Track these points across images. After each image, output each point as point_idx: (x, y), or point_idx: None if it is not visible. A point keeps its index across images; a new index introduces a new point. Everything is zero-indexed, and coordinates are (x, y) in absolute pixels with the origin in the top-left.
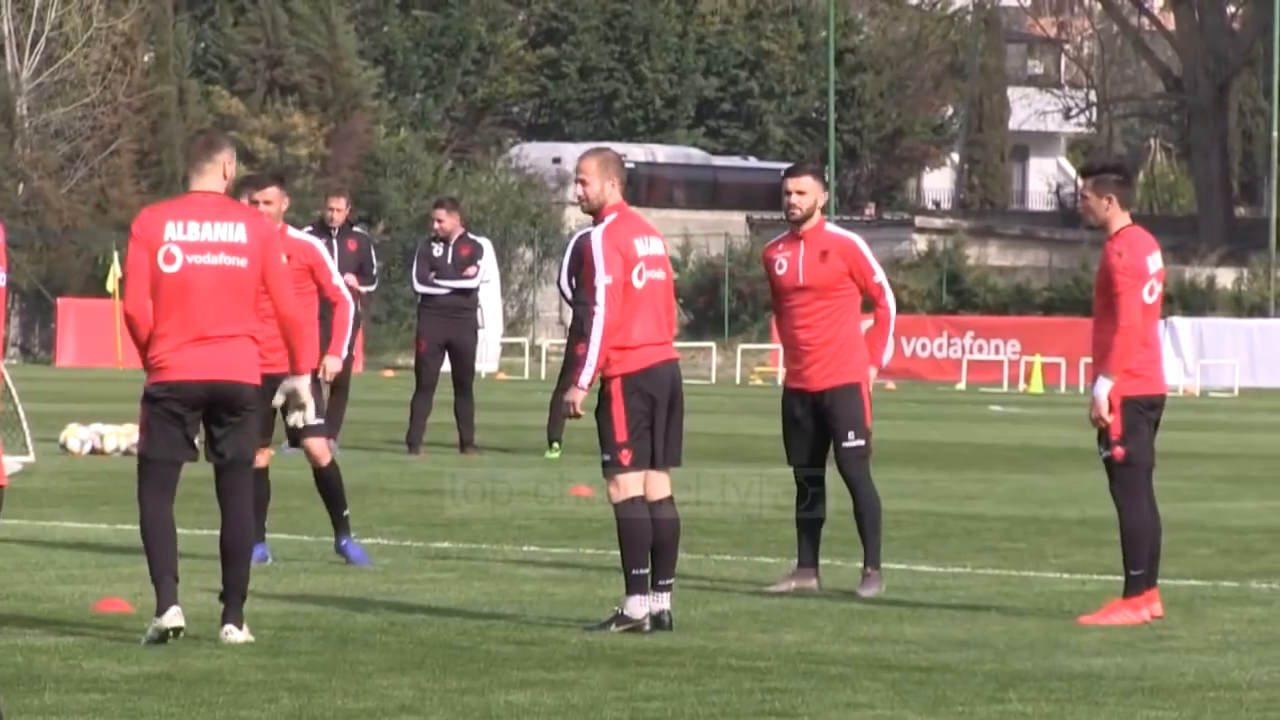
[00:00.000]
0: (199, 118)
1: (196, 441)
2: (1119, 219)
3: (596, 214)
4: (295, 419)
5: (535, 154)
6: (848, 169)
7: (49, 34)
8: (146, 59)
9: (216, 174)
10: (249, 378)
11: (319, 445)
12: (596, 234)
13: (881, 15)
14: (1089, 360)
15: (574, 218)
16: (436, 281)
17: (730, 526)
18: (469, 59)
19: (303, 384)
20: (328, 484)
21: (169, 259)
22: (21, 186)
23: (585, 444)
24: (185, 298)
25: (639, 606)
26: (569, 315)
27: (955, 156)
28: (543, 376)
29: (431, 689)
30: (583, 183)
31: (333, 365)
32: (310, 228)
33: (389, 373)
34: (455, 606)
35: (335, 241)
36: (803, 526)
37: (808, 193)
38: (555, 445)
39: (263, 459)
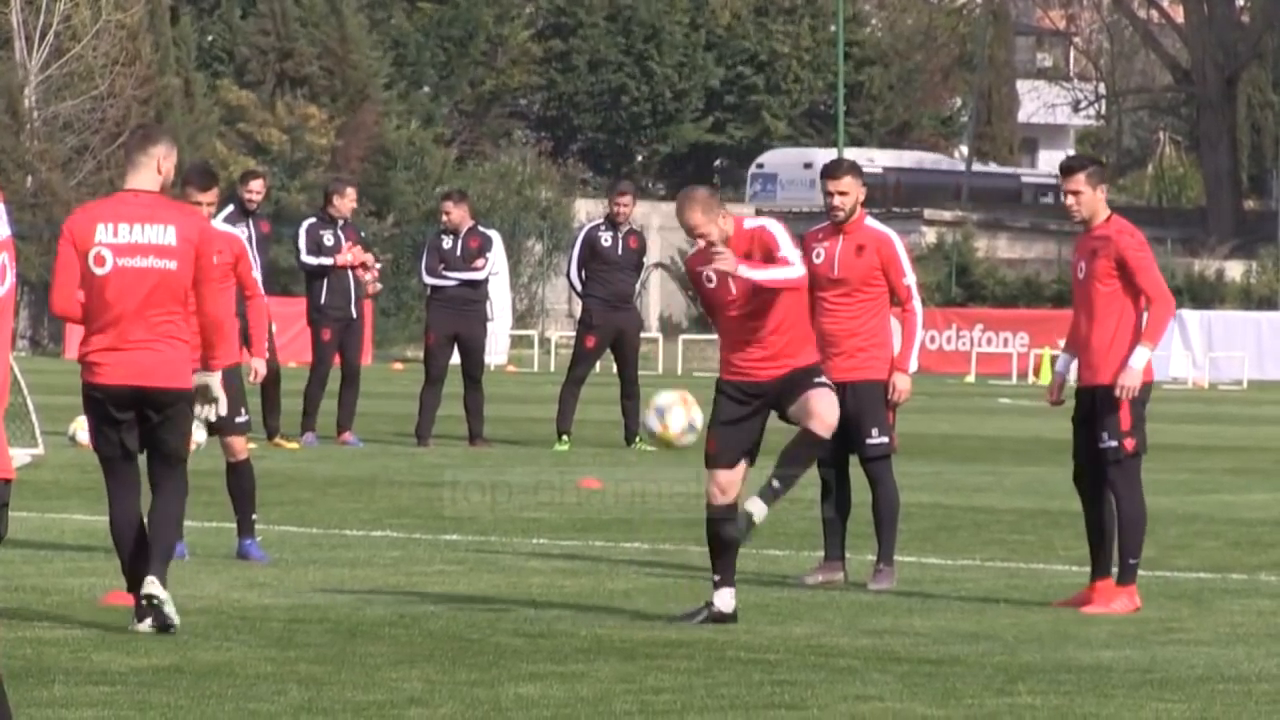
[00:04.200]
0: (206, 110)
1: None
2: (1104, 209)
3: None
4: (206, 412)
5: (783, 159)
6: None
7: (57, 27)
8: (152, 52)
9: (150, 169)
10: (176, 381)
11: (239, 442)
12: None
13: (890, 8)
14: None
15: (584, 210)
16: (445, 274)
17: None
18: (477, 51)
19: (214, 379)
20: (241, 481)
21: (99, 261)
22: (30, 179)
23: (594, 436)
24: (115, 300)
25: (730, 601)
26: (578, 308)
27: (964, 149)
28: (552, 369)
29: (441, 681)
30: (843, 194)
31: (260, 365)
32: (314, 219)
33: (398, 365)
34: (464, 599)
35: (340, 233)
36: (828, 520)
37: (849, 192)
38: (565, 438)
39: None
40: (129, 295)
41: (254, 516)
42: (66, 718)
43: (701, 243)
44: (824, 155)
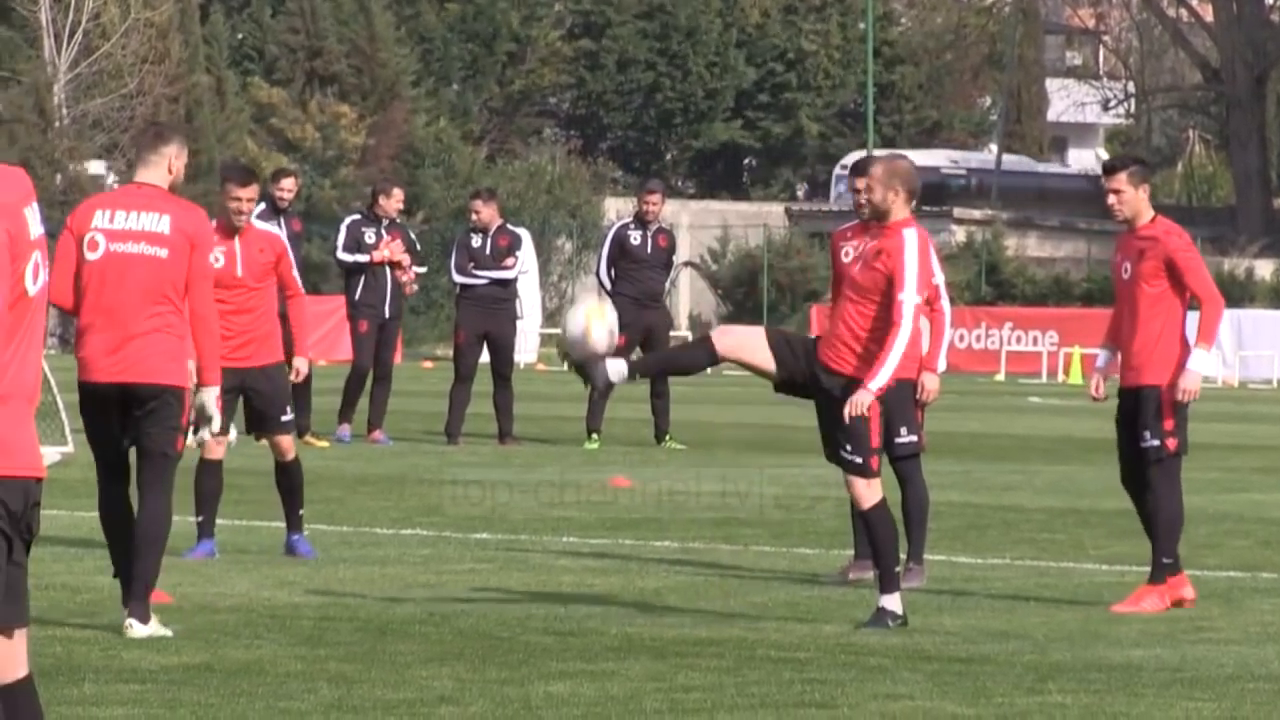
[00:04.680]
0: (237, 108)
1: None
2: (1148, 210)
3: (883, 218)
4: (201, 435)
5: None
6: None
7: (86, 25)
8: (182, 50)
9: (161, 167)
10: (162, 378)
11: (287, 441)
12: (914, 242)
13: (920, 7)
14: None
15: (613, 209)
16: (475, 272)
17: (769, 517)
18: (503, 50)
19: (209, 396)
20: (290, 479)
21: (92, 245)
22: (59, 176)
23: (624, 435)
24: (104, 285)
25: (899, 602)
26: None
27: (994, 148)
28: None
29: (471, 680)
30: (870, 189)
31: (303, 365)
32: (357, 216)
33: (428, 364)
34: (494, 597)
35: (384, 232)
36: (857, 519)
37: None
38: (594, 436)
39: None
40: (118, 282)
41: (301, 512)
42: (97, 715)
43: (861, 198)
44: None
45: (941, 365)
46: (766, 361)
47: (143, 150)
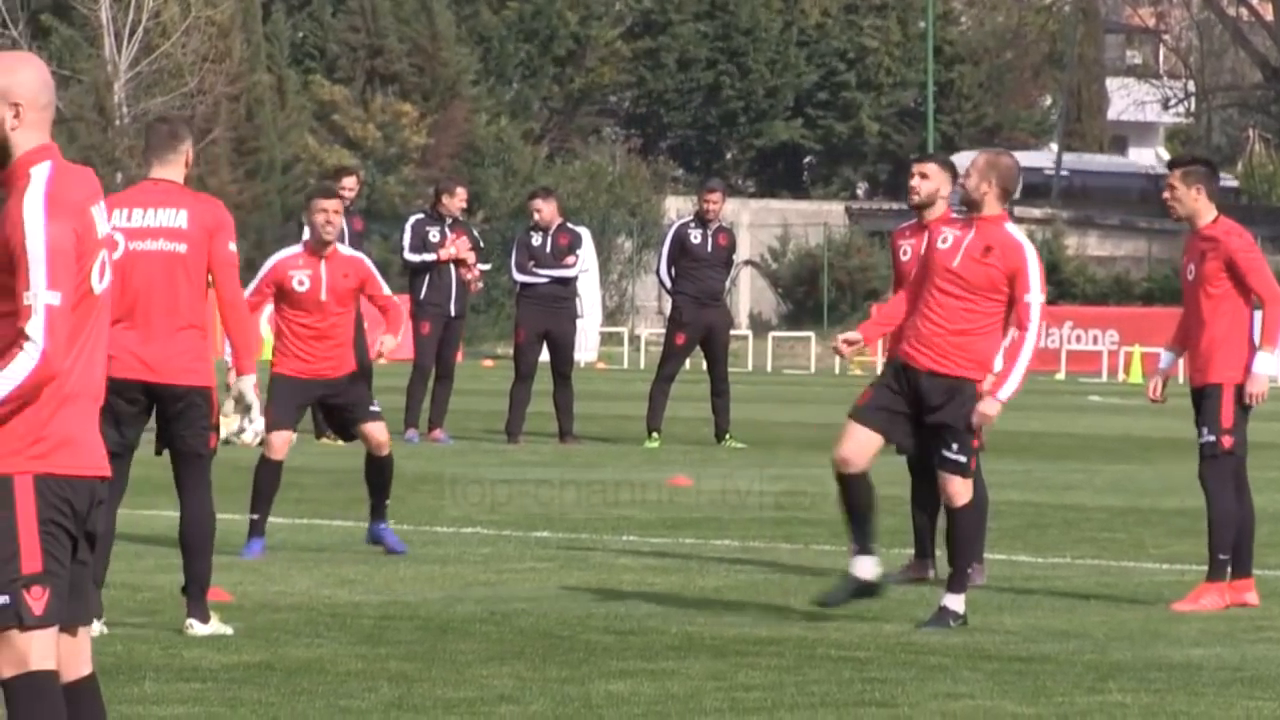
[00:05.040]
0: (298, 107)
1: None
2: (1208, 210)
3: (974, 209)
4: (243, 423)
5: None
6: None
7: (146, 23)
8: (244, 49)
9: (178, 163)
10: (189, 378)
11: (377, 433)
12: (1029, 243)
13: (979, 6)
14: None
15: (673, 208)
16: (535, 271)
17: (829, 516)
18: (562, 49)
19: (247, 384)
20: (379, 472)
21: (112, 246)
22: (120, 175)
23: (685, 434)
24: (125, 284)
25: (962, 602)
26: (668, 305)
27: (1054, 147)
28: (642, 366)
29: (531, 678)
30: (924, 177)
31: (390, 343)
32: (421, 215)
33: (488, 362)
34: (555, 596)
35: (448, 231)
36: (916, 518)
37: (930, 177)
38: (655, 435)
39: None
40: (140, 281)
41: (387, 502)
42: (157, 714)
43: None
44: (1021, 158)
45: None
46: (877, 440)
47: (157, 146)
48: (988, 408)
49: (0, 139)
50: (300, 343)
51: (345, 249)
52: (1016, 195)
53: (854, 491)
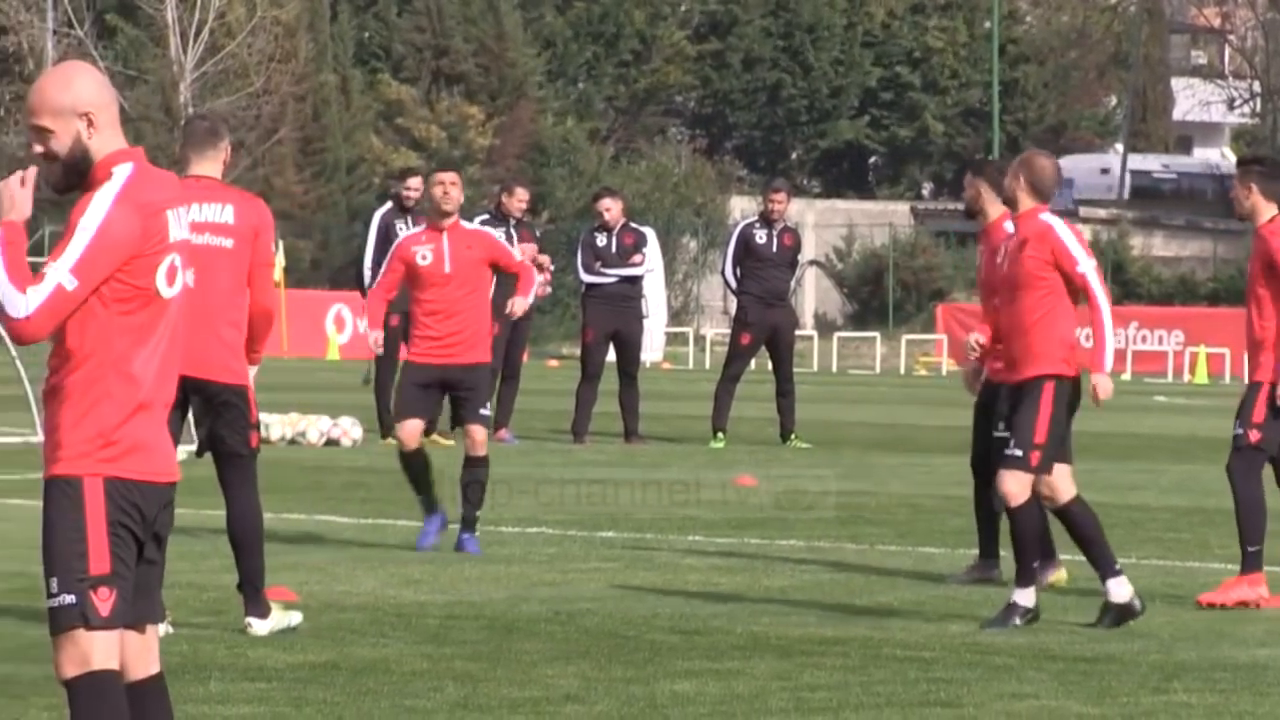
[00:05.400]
0: (363, 106)
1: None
2: (1265, 209)
3: (1012, 207)
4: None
5: (1080, 164)
6: (1011, 160)
7: (212, 24)
8: (310, 49)
9: (219, 160)
10: (228, 376)
11: (479, 435)
12: (1058, 220)
13: (1045, 6)
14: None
15: (738, 208)
16: (603, 270)
17: (895, 516)
18: (627, 49)
19: (249, 373)
20: (475, 474)
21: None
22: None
23: (751, 434)
24: None
25: (1120, 590)
26: (733, 305)
27: (1119, 147)
28: (707, 366)
29: (596, 678)
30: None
31: (520, 304)
32: (485, 216)
33: (554, 363)
34: (620, 596)
35: (513, 232)
36: (982, 518)
37: (968, 189)
38: (720, 435)
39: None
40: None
41: (478, 514)
42: (223, 714)
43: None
44: (1087, 160)
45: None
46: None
47: (198, 144)
48: (1101, 384)
49: (81, 150)
50: (429, 322)
51: (468, 223)
52: (1055, 193)
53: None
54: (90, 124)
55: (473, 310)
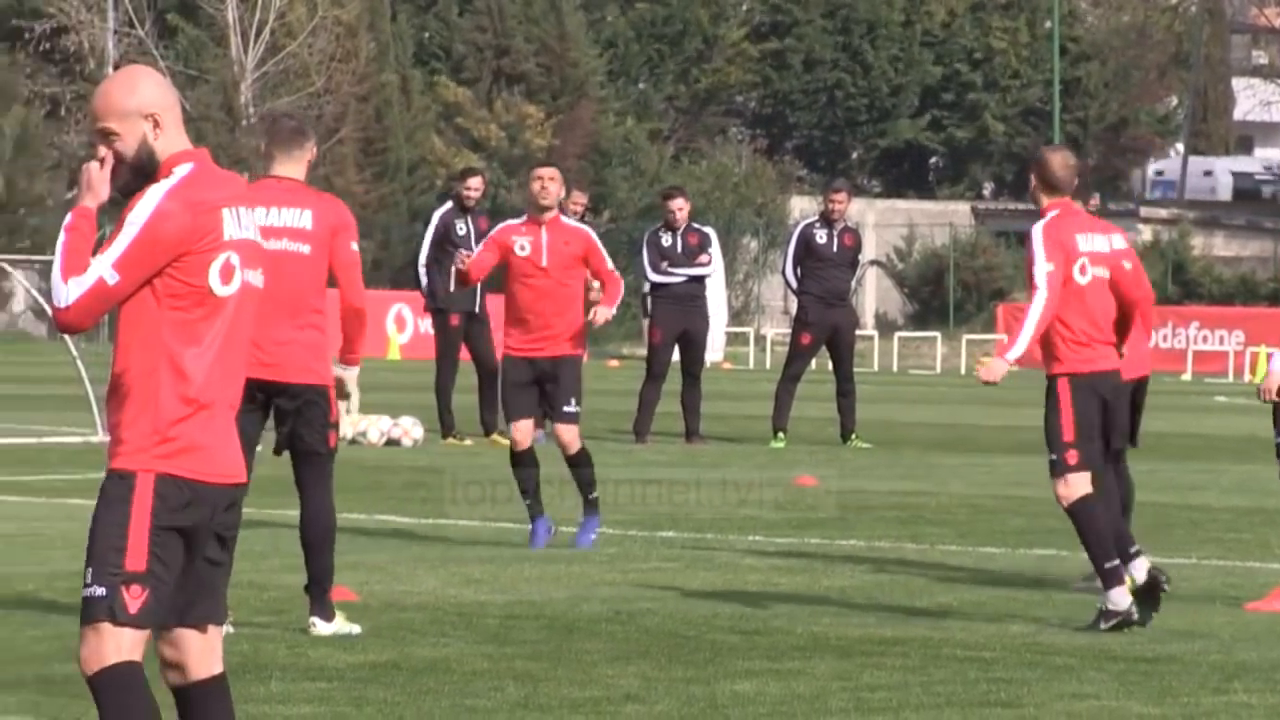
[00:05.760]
0: (423, 107)
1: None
2: None
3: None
4: (338, 411)
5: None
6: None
7: (273, 24)
8: (370, 49)
9: (304, 162)
10: (308, 377)
11: (569, 432)
12: (1036, 228)
13: (1105, 5)
14: None
15: (799, 208)
16: (670, 270)
17: (955, 517)
18: (691, 49)
19: (350, 374)
20: (578, 470)
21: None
22: (247, 175)
23: (811, 434)
24: None
25: (1122, 598)
26: (794, 305)
27: (1180, 148)
28: (768, 366)
29: (657, 678)
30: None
31: (604, 313)
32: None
33: (614, 363)
34: (680, 596)
35: None
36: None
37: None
38: (781, 435)
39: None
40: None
41: (595, 495)
42: (284, 713)
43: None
44: (1222, 165)
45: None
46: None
47: (284, 144)
48: (989, 366)
49: (146, 151)
50: (524, 312)
51: (569, 220)
52: (1071, 183)
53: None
54: (156, 125)
55: (566, 305)
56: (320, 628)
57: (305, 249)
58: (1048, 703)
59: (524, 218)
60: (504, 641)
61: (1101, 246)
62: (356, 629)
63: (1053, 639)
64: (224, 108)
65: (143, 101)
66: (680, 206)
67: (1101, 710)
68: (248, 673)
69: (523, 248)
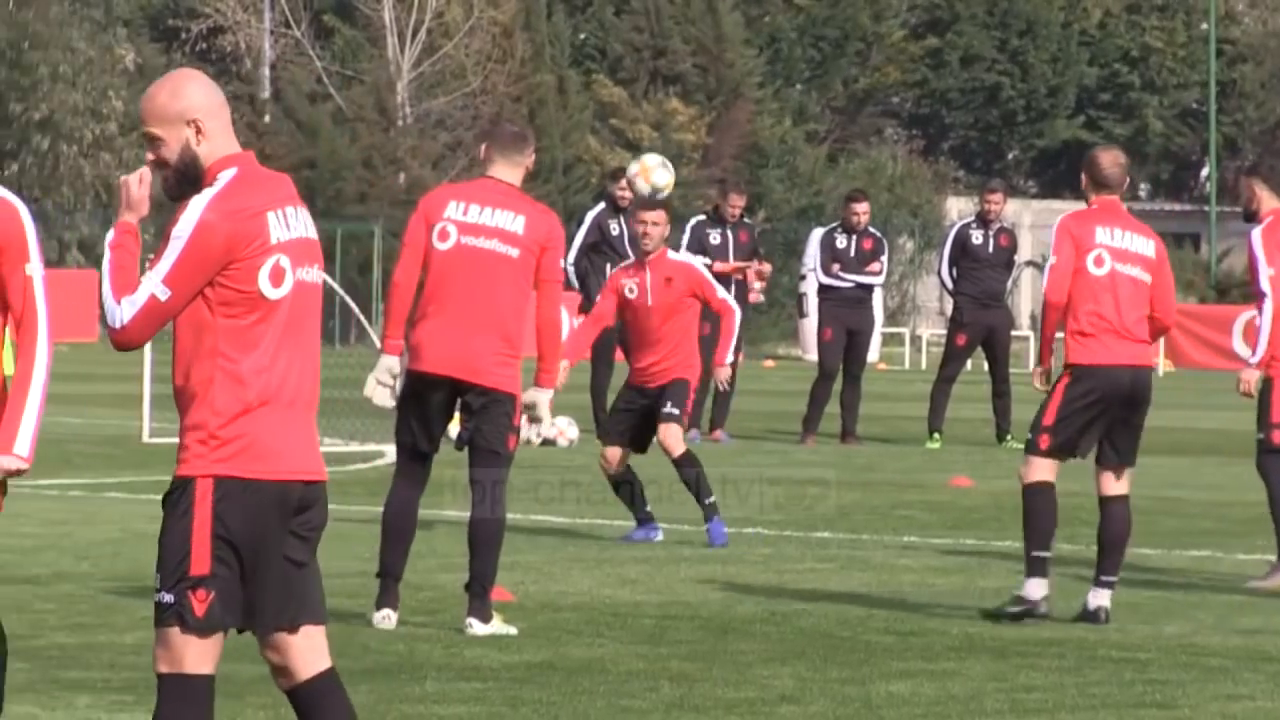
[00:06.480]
0: (579, 107)
1: (452, 431)
2: None
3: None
4: (532, 431)
5: None
6: (1228, 160)
7: (429, 24)
8: (527, 49)
9: (521, 168)
10: (492, 382)
11: (671, 435)
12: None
13: (1262, 6)
14: None
15: (954, 208)
16: (841, 275)
17: None
18: (852, 49)
19: (543, 397)
20: (683, 472)
21: (443, 236)
22: (402, 175)
23: (967, 435)
24: (450, 277)
25: (1036, 590)
26: (949, 306)
27: None
28: (923, 367)
29: (812, 679)
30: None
31: (723, 374)
32: (703, 217)
33: (769, 363)
34: (835, 596)
35: (730, 232)
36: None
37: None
38: (936, 435)
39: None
40: (464, 275)
41: (711, 499)
42: (439, 713)
43: None
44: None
45: (1256, 358)
46: None
47: (504, 148)
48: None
49: (190, 156)
50: (635, 348)
51: (675, 255)
52: (1119, 180)
53: None
54: (198, 131)
55: (673, 340)
56: (476, 628)
57: (514, 253)
58: (1202, 704)
59: (632, 260)
60: (659, 642)
61: (1128, 245)
62: (513, 630)
63: (1208, 640)
64: (378, 108)
65: (186, 106)
66: (864, 210)
67: (1257, 711)
68: (403, 672)
69: (631, 290)
